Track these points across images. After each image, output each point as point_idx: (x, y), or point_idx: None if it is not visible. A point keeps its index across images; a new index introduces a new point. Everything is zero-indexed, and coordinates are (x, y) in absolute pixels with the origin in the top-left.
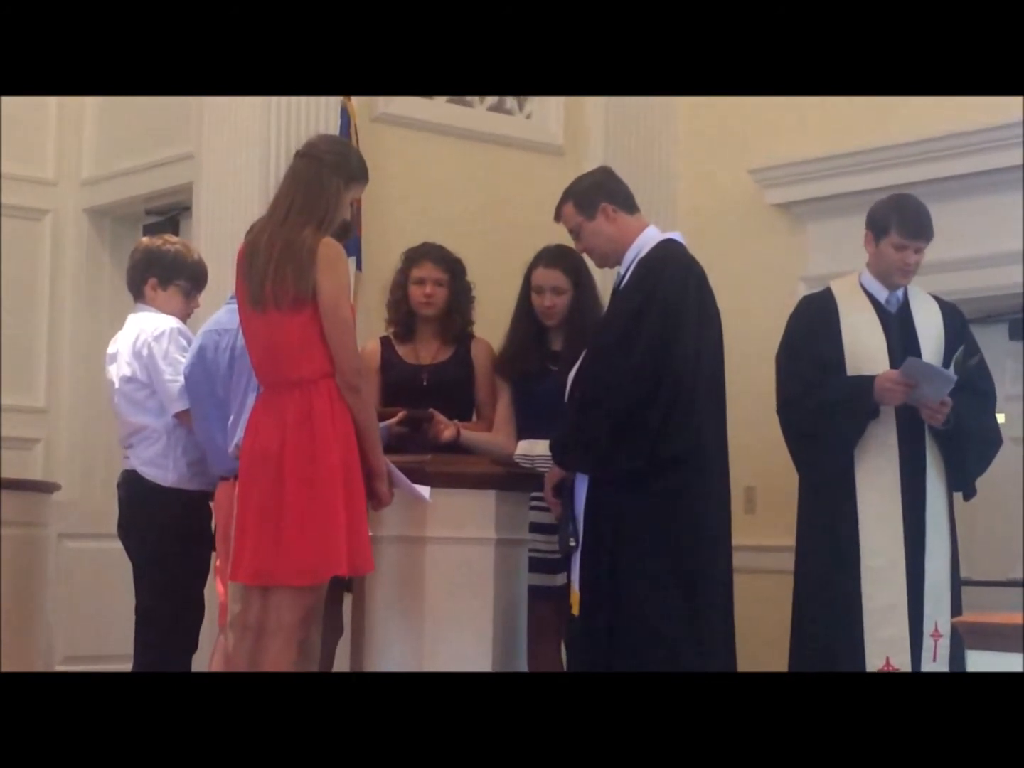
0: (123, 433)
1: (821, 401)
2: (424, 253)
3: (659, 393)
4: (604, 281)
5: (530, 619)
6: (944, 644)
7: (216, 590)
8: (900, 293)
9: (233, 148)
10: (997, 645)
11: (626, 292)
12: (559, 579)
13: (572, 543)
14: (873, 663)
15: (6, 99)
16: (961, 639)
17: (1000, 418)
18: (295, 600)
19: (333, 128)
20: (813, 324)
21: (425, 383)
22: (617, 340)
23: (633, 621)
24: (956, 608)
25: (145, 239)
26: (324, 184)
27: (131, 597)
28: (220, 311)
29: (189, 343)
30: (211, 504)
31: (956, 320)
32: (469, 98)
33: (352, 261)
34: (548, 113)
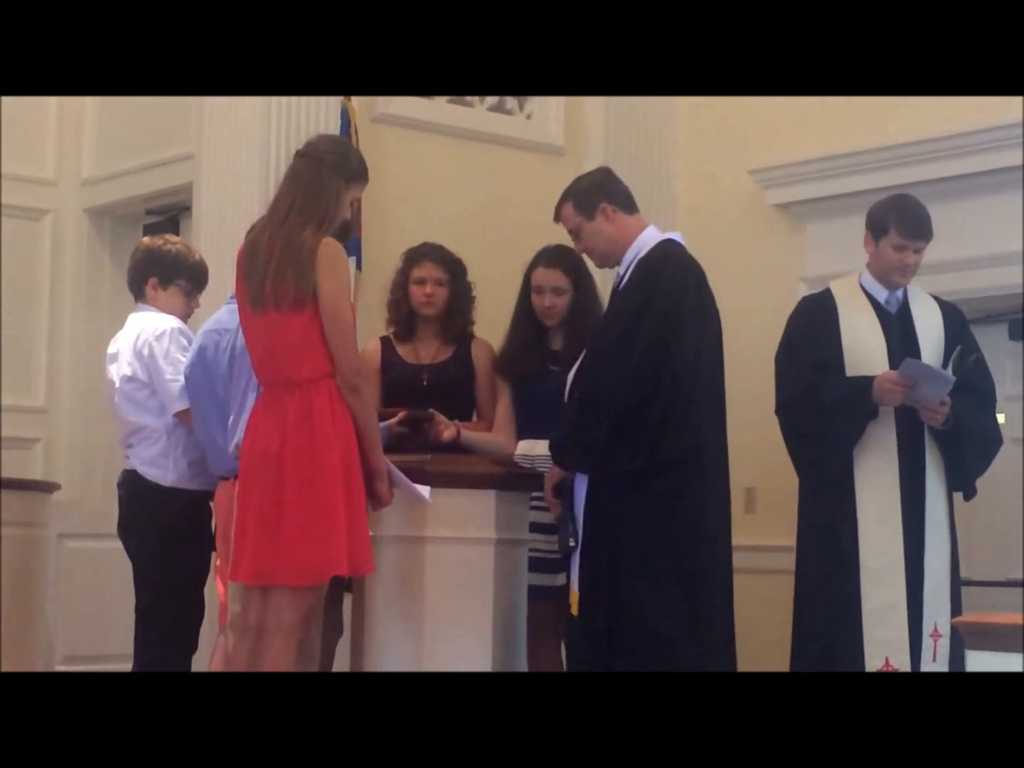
0: (123, 433)
1: (820, 401)
2: (424, 253)
3: (659, 393)
4: (604, 281)
5: (530, 619)
6: (944, 644)
7: (216, 590)
8: (900, 293)
9: (233, 148)
10: (997, 645)
11: (625, 292)
12: (559, 579)
13: (572, 543)
14: (872, 663)
15: (6, 99)
16: (961, 639)
17: (1000, 418)
18: (295, 600)
19: (333, 128)
20: (812, 325)
21: (425, 383)
22: (617, 340)
23: (633, 621)
24: (956, 608)
25: (146, 239)
26: (324, 184)
27: (131, 597)
28: (220, 311)
29: (190, 343)
30: (211, 504)
31: (956, 320)
32: (469, 98)
33: (352, 261)
34: (548, 113)
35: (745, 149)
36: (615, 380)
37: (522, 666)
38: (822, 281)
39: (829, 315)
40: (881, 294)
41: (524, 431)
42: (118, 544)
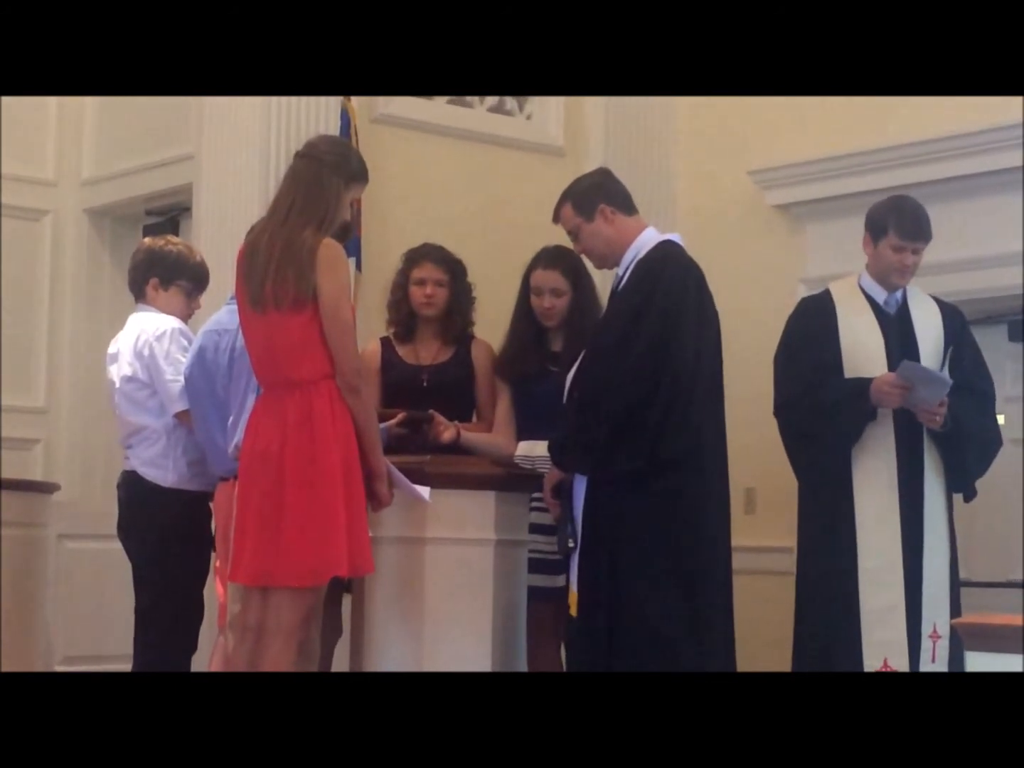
0: (123, 433)
1: (820, 401)
2: (425, 254)
3: (659, 393)
4: (603, 283)
5: (530, 620)
6: (943, 645)
7: (215, 591)
8: (899, 294)
9: (233, 148)
10: (996, 647)
11: (625, 293)
12: (559, 580)
13: (571, 544)
14: (871, 664)
15: (6, 99)
16: (960, 641)
17: (1000, 419)
18: (295, 601)
19: (333, 128)
20: (811, 326)
21: (425, 384)
22: (616, 341)
23: (633, 621)
24: (955, 609)
25: (147, 240)
26: (324, 185)
27: (131, 598)
28: (220, 311)
29: (190, 343)
30: (211, 505)
31: (956, 321)
32: (469, 99)
33: (352, 262)
34: (548, 114)
35: (745, 149)
36: (615, 380)
37: (522, 667)
38: (822, 282)
39: (828, 316)
40: (880, 295)
41: (524, 432)
42: (118, 545)
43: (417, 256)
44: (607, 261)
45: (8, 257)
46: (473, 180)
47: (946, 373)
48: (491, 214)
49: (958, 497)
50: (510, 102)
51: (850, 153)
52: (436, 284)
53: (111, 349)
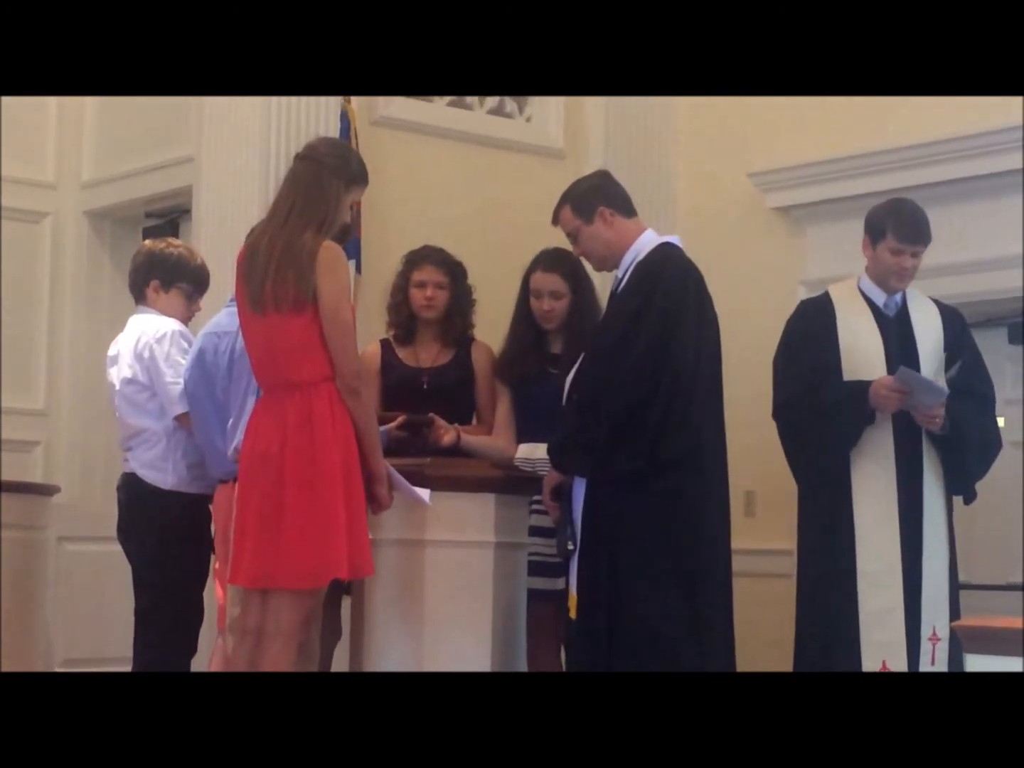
0: (123, 435)
1: (819, 402)
2: (425, 256)
3: (659, 393)
4: (603, 285)
5: (530, 623)
6: (942, 648)
7: (215, 593)
8: (899, 297)
9: (233, 149)
10: (996, 649)
11: (624, 295)
12: (560, 583)
13: (570, 547)
14: (869, 666)
15: (6, 99)
16: (960, 643)
17: (1000, 422)
18: (295, 603)
19: (333, 129)
20: (810, 328)
21: (425, 386)
22: (616, 341)
23: (633, 621)
24: (955, 612)
25: (148, 242)
26: (324, 187)
27: (130, 600)
28: (220, 313)
29: (191, 346)
30: (210, 507)
31: (956, 323)
32: (469, 101)
33: (352, 264)
34: (548, 116)
35: (745, 150)
36: (615, 380)
37: (522, 670)
38: (822, 284)
39: (827, 319)
40: (880, 298)
41: (523, 434)
42: (117, 547)
43: (417, 258)
44: (606, 263)
45: (8, 259)
46: (473, 182)
47: (943, 381)
48: (491, 216)
49: (958, 499)
50: (510, 104)
51: (850, 156)
52: (436, 287)
53: (111, 351)
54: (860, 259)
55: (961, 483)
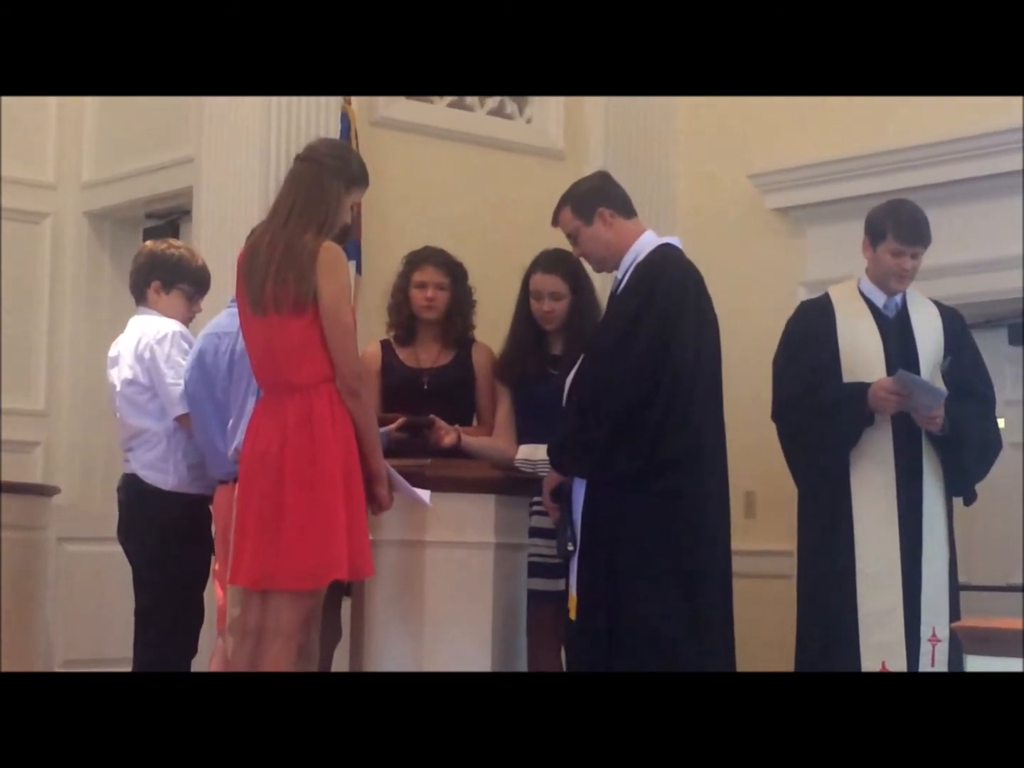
0: (124, 436)
1: (818, 402)
2: (426, 257)
3: (658, 393)
4: (602, 286)
5: (531, 623)
6: (942, 649)
7: (215, 594)
8: (899, 298)
9: (233, 149)
10: (996, 650)
11: (624, 296)
12: (560, 584)
13: (570, 548)
14: (869, 667)
15: (6, 99)
16: (960, 644)
17: (1000, 423)
18: (295, 604)
19: (333, 129)
20: (810, 330)
21: (426, 387)
22: (616, 341)
23: (633, 621)
24: (955, 613)
25: (149, 243)
26: (325, 188)
27: (130, 601)
28: (220, 314)
29: (191, 347)
30: (211, 508)
31: (956, 324)
32: (469, 102)
33: (352, 265)
34: (548, 117)
35: (745, 149)
36: (615, 380)
37: (521, 670)
38: (822, 285)
39: (827, 320)
40: (879, 299)
41: (524, 435)
42: (118, 548)
43: (418, 259)
44: (606, 264)
45: (8, 260)
46: (473, 183)
47: (941, 383)
48: (491, 217)
49: (958, 500)
50: (510, 105)
51: (850, 157)
52: (437, 287)
53: (111, 352)
54: (860, 260)
55: (961, 484)
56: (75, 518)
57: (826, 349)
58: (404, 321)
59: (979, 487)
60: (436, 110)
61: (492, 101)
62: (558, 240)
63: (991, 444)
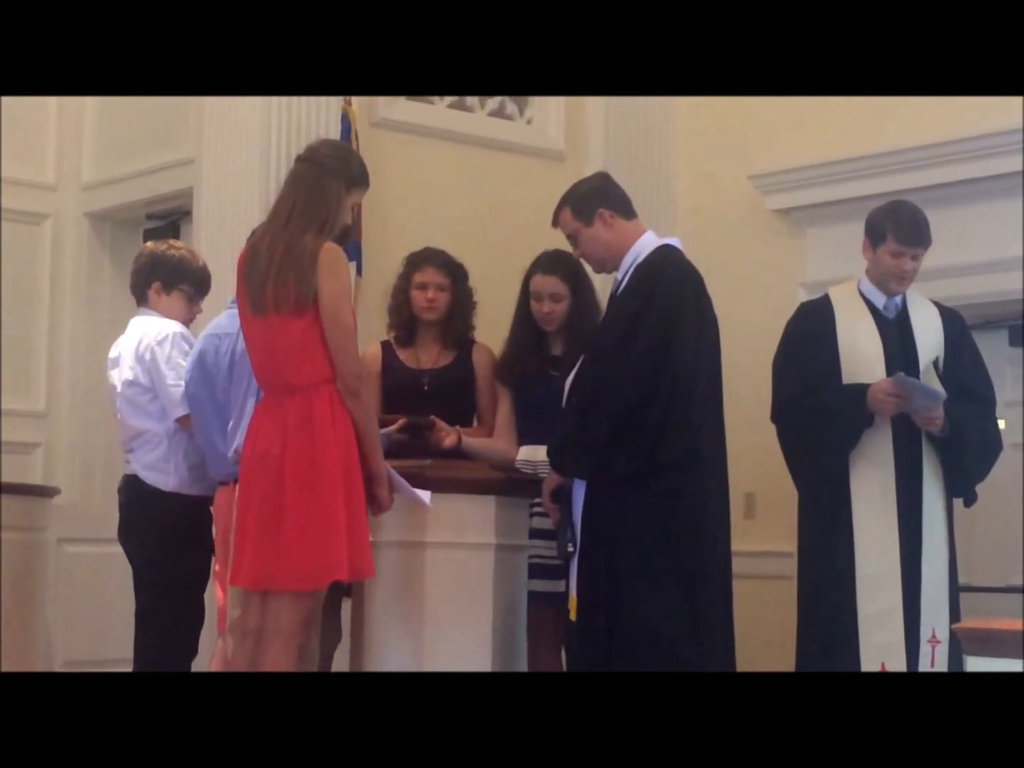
0: (124, 437)
1: (819, 403)
2: (426, 258)
3: (658, 394)
4: (602, 287)
5: (531, 625)
6: (942, 650)
7: (215, 595)
8: (899, 299)
9: (233, 149)
10: (996, 651)
11: (624, 296)
12: (561, 585)
13: (570, 549)
14: (868, 668)
15: (6, 99)
16: (960, 645)
17: (1000, 424)
18: (295, 604)
19: (333, 129)
20: (810, 331)
21: (426, 387)
22: (616, 342)
23: (633, 621)
24: (955, 614)
25: (150, 244)
26: (325, 189)
27: (131, 602)
28: (221, 315)
29: (192, 348)
30: (211, 509)
31: (956, 325)
32: (470, 103)
33: (352, 266)
34: (548, 118)
35: (745, 150)
36: (615, 380)
37: (522, 671)
38: (822, 286)
39: (826, 321)
40: (879, 300)
41: (524, 436)
42: (118, 549)
43: (419, 260)
44: (606, 265)
45: (8, 261)
46: (473, 184)
47: (940, 386)
48: (491, 217)
49: (958, 501)
50: (510, 106)
51: (850, 158)
52: (438, 288)
53: (112, 353)
54: (860, 261)
55: (961, 485)
56: (75, 519)
57: (826, 350)
58: (404, 322)
59: (979, 488)
60: (436, 111)
61: (492, 102)
62: (558, 241)
63: (991, 445)
